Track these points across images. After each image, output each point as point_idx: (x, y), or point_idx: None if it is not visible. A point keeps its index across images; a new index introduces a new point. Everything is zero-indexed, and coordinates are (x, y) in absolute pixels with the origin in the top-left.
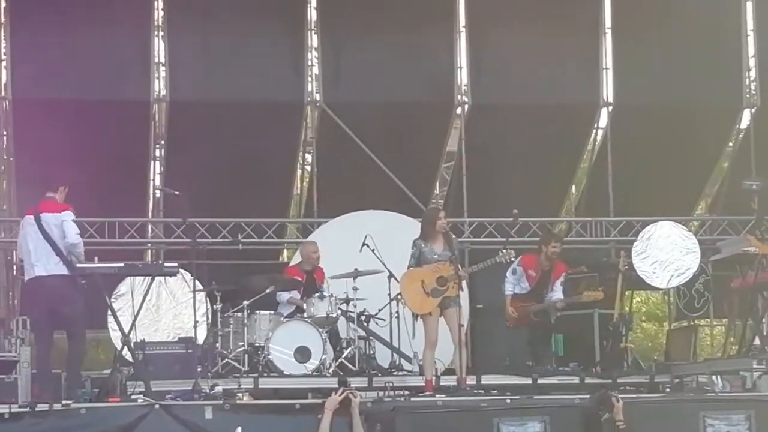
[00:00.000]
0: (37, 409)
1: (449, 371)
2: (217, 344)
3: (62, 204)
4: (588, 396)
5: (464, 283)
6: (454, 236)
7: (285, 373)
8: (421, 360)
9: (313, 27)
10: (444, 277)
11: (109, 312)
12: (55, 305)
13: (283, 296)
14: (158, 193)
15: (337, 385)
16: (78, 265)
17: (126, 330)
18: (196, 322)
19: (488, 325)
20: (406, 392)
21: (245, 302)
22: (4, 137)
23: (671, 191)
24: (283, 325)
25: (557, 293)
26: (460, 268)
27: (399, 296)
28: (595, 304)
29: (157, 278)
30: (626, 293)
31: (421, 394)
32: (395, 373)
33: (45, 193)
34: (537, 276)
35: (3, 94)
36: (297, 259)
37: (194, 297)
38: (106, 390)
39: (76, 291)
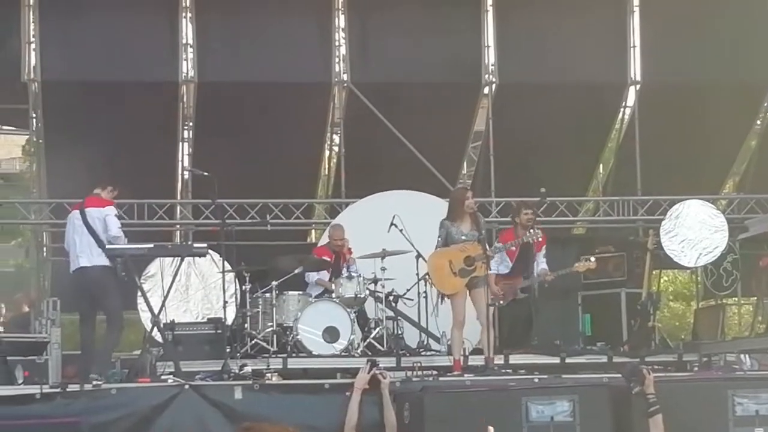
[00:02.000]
0: (67, 389)
1: (477, 351)
2: (246, 325)
3: (106, 200)
4: (617, 375)
5: (492, 263)
6: (481, 216)
7: (314, 353)
8: (449, 340)
9: (340, 7)
10: (471, 257)
11: (139, 293)
12: (97, 293)
13: (312, 277)
14: (187, 175)
15: (365, 363)
16: (108, 247)
17: (155, 311)
18: (225, 302)
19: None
20: (434, 372)
21: (274, 283)
22: (34, 120)
23: (699, 170)
24: (311, 305)
25: (542, 265)
26: (487, 248)
27: (427, 276)
28: (590, 273)
29: (186, 259)
30: (654, 272)
31: (449, 374)
32: (423, 353)
33: (86, 183)
34: (517, 250)
35: (33, 76)
36: (325, 239)
37: (223, 277)
38: (136, 371)
39: (115, 281)
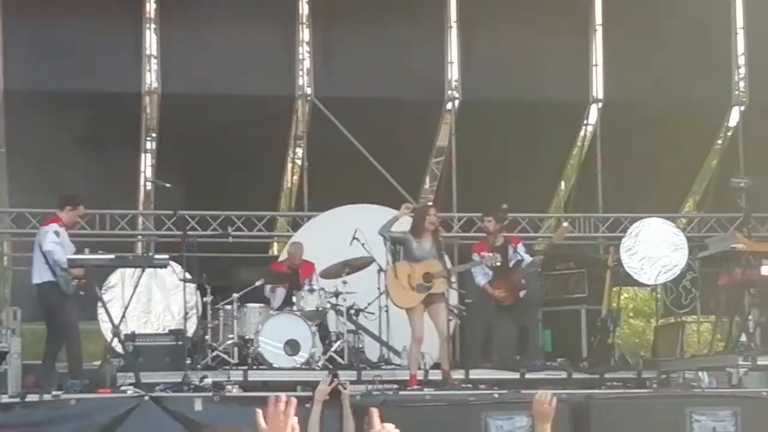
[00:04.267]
0: (26, 399)
1: (437, 365)
2: (207, 336)
3: (55, 218)
4: (577, 390)
5: (453, 279)
6: (442, 232)
7: (274, 365)
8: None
9: (304, 21)
10: (430, 273)
11: (99, 303)
12: (45, 308)
13: (267, 289)
14: (149, 185)
15: (326, 375)
16: (69, 257)
17: (116, 321)
18: (186, 314)
19: (477, 321)
20: (395, 386)
21: (235, 295)
22: None
23: (660, 188)
24: (272, 318)
25: (527, 258)
26: (449, 266)
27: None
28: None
29: (148, 270)
30: (614, 289)
31: (409, 388)
32: (384, 367)
33: (48, 193)
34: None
35: None
36: (285, 255)
37: (184, 289)
38: (96, 381)
39: (60, 295)
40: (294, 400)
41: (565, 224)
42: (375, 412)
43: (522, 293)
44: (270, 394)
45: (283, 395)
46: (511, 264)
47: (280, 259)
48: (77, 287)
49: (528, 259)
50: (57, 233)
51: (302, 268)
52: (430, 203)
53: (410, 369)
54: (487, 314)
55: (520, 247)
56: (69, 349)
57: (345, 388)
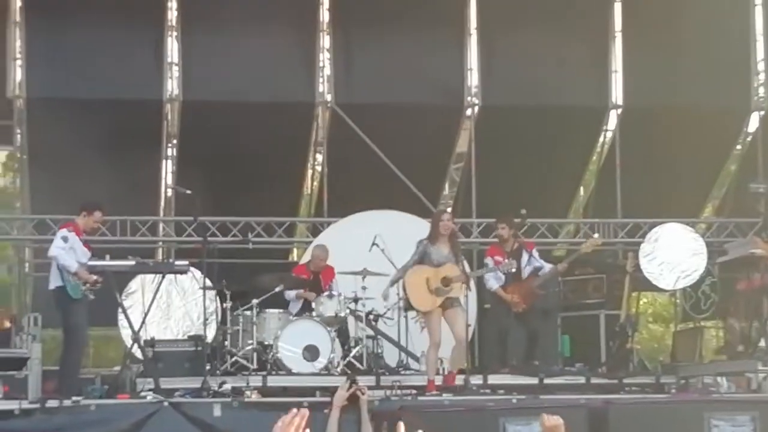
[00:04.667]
0: (47, 405)
1: (461, 371)
2: (227, 342)
3: (68, 223)
4: (595, 395)
5: (472, 284)
6: (459, 236)
7: (293, 371)
8: None
9: (325, 28)
10: (449, 277)
11: (120, 309)
12: (60, 314)
13: (291, 294)
14: (170, 192)
15: (344, 380)
16: (90, 263)
17: (136, 327)
18: (205, 320)
19: (494, 326)
20: (413, 391)
21: (255, 300)
22: (18, 136)
23: (679, 193)
24: (291, 323)
25: (543, 265)
26: (467, 270)
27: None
28: (594, 259)
29: (168, 276)
30: (633, 294)
31: (427, 393)
32: (402, 372)
33: (69, 200)
34: (504, 259)
35: (17, 92)
36: (306, 257)
37: (204, 295)
38: (116, 387)
39: (68, 299)
40: (306, 412)
41: (596, 236)
42: (401, 426)
43: (538, 295)
44: (289, 400)
45: (294, 408)
46: (524, 269)
47: (303, 260)
48: (88, 291)
49: (547, 266)
50: (65, 238)
51: (323, 274)
52: (446, 209)
53: (428, 374)
54: (503, 319)
55: (535, 253)
56: (66, 352)
57: (363, 394)
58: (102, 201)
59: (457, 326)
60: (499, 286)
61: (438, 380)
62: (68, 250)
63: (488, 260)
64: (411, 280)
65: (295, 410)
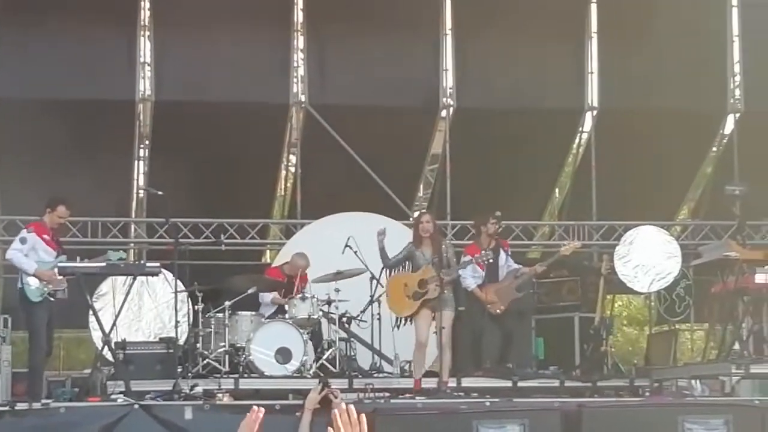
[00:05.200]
0: (16, 407)
1: (430, 373)
2: (198, 344)
3: (33, 223)
4: (568, 399)
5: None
6: (441, 238)
7: (266, 374)
8: (402, 362)
9: (299, 28)
10: (425, 279)
11: (90, 311)
12: (21, 316)
13: (267, 297)
14: (141, 193)
15: (315, 384)
16: (60, 264)
17: (107, 329)
18: (177, 322)
19: (468, 328)
20: (387, 394)
21: (227, 303)
22: None
23: (654, 196)
24: (264, 326)
25: (513, 265)
26: (442, 270)
27: (379, 297)
28: (575, 263)
29: (139, 278)
30: (607, 297)
31: (401, 396)
32: (376, 375)
33: (40, 200)
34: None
35: None
36: (279, 260)
37: (176, 297)
38: (86, 389)
39: (26, 301)
40: (260, 411)
41: (577, 243)
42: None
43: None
44: (261, 402)
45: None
46: (501, 267)
47: (276, 263)
48: (54, 291)
49: (515, 266)
50: (23, 240)
51: (297, 278)
52: (424, 211)
53: (414, 374)
54: (478, 321)
55: (508, 251)
56: (29, 355)
57: (336, 397)
58: (65, 195)
59: (445, 330)
60: (477, 285)
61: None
62: (28, 251)
63: (466, 257)
64: (390, 287)
65: (254, 408)
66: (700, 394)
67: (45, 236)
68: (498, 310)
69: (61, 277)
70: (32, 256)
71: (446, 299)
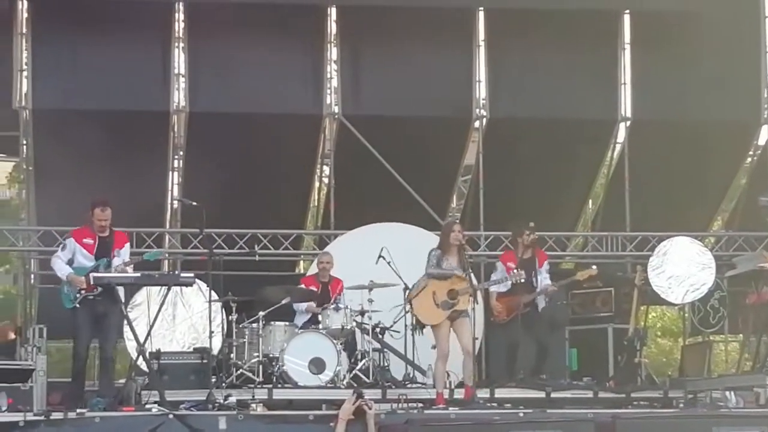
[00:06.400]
0: (51, 417)
1: (462, 384)
2: (232, 355)
3: (76, 229)
4: (602, 410)
5: (479, 297)
6: (467, 250)
7: (299, 384)
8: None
9: (332, 40)
10: (455, 290)
11: (125, 321)
12: None
13: (302, 306)
14: (176, 204)
15: (351, 394)
16: (94, 275)
17: (141, 340)
18: (211, 332)
19: (502, 339)
20: (420, 405)
21: (261, 313)
22: (24, 147)
23: (688, 207)
24: (297, 336)
25: (546, 280)
26: (474, 283)
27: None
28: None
29: (174, 288)
30: (641, 308)
31: (434, 407)
32: (409, 386)
33: (75, 211)
34: (516, 266)
35: (24, 104)
36: (314, 269)
37: (210, 307)
38: (121, 399)
39: (65, 308)
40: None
41: (594, 267)
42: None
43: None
44: (295, 413)
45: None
46: (536, 279)
47: (309, 273)
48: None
49: (544, 284)
50: (63, 246)
51: (332, 285)
52: (456, 220)
53: (436, 387)
54: (513, 332)
55: (545, 266)
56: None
57: (370, 408)
58: (105, 198)
59: (464, 338)
60: (499, 293)
61: (446, 393)
62: (70, 257)
63: (499, 264)
64: (417, 294)
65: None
66: (734, 406)
67: (86, 240)
68: (500, 321)
69: (84, 283)
70: (74, 262)
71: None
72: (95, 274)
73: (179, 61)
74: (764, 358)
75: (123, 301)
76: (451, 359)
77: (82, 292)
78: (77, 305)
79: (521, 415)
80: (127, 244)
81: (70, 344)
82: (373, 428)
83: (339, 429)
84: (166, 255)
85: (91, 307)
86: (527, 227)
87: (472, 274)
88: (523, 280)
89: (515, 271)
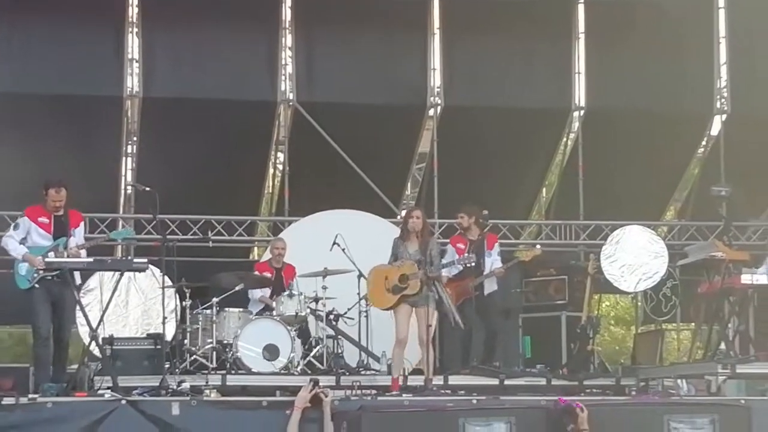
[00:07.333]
0: (2, 402)
1: (417, 371)
2: (186, 341)
3: (29, 207)
4: (554, 397)
5: (437, 284)
6: (433, 237)
7: (253, 370)
8: (389, 359)
9: (287, 26)
10: (406, 275)
11: (78, 307)
12: None
13: (256, 294)
14: (129, 189)
15: (307, 382)
16: (47, 260)
17: (94, 325)
18: (164, 318)
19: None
20: (373, 391)
21: (215, 299)
22: None
23: (641, 196)
24: (251, 322)
25: (497, 263)
26: (428, 269)
27: (366, 295)
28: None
29: (127, 274)
30: (594, 296)
31: (387, 394)
32: (363, 372)
33: (27, 196)
34: (466, 247)
35: None
36: (268, 255)
37: (163, 293)
38: (74, 385)
39: (19, 291)
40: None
41: (538, 247)
42: None
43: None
44: (248, 399)
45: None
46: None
47: (263, 259)
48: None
49: (495, 266)
50: (16, 225)
51: (285, 271)
52: (416, 207)
53: (392, 373)
54: (467, 320)
55: (496, 248)
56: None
57: (326, 396)
58: (59, 177)
59: (422, 327)
60: (449, 276)
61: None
62: (24, 236)
63: (449, 247)
64: (371, 278)
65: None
66: (686, 394)
67: (41, 219)
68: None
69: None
70: (28, 241)
71: (430, 297)
72: (48, 259)
73: (133, 46)
74: (716, 347)
75: (78, 283)
76: (408, 346)
77: (40, 272)
78: (36, 285)
79: (474, 402)
80: (82, 223)
81: (20, 329)
82: (329, 416)
83: (295, 417)
84: (133, 233)
85: (48, 288)
86: (461, 210)
87: (438, 259)
88: (473, 264)
89: (466, 255)
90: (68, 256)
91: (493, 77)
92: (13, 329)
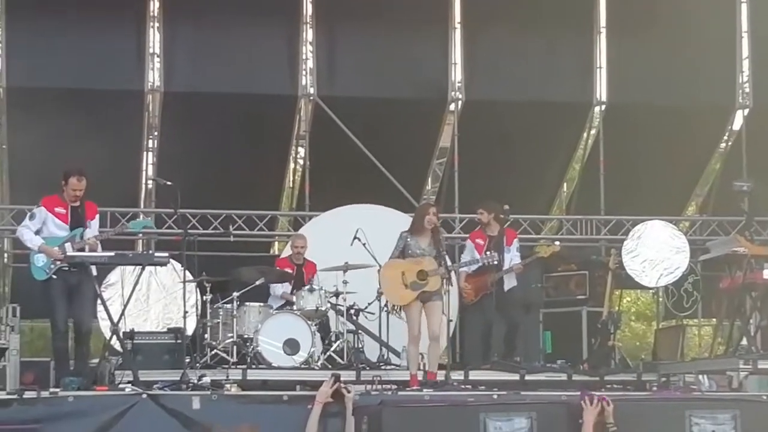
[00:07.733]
0: (24, 396)
1: (439, 366)
2: (206, 335)
3: (46, 197)
4: (575, 392)
5: (453, 279)
6: (443, 233)
7: (273, 365)
8: None
9: (308, 20)
10: (425, 271)
11: (99, 301)
12: None
13: (277, 289)
14: (150, 184)
15: (328, 378)
16: (68, 254)
17: (115, 319)
18: (185, 312)
19: (477, 321)
20: (394, 386)
21: (235, 294)
22: None
23: (662, 191)
24: (272, 317)
25: (516, 259)
26: (447, 264)
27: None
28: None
29: (148, 268)
30: (615, 292)
31: (408, 389)
32: (383, 367)
33: (48, 190)
34: (485, 243)
35: None
36: (288, 251)
37: (184, 287)
38: (94, 379)
39: (36, 283)
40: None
41: (557, 243)
42: None
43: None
44: (269, 393)
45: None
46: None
47: (285, 254)
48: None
49: (514, 262)
50: (32, 215)
51: (306, 268)
52: (432, 203)
53: (410, 369)
54: (487, 314)
55: (515, 244)
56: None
57: (348, 392)
58: (80, 166)
59: (433, 323)
60: (468, 273)
61: (420, 375)
62: (40, 227)
63: (468, 243)
64: (386, 273)
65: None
66: (707, 389)
67: (58, 209)
68: (468, 301)
69: (57, 252)
70: (44, 231)
71: (439, 291)
72: (69, 253)
73: (155, 40)
74: (737, 342)
75: (95, 275)
76: (424, 341)
77: (57, 263)
78: (53, 276)
79: (495, 397)
80: (98, 215)
81: (42, 324)
82: (351, 412)
83: (315, 412)
84: (152, 224)
85: (65, 279)
86: (480, 206)
87: (446, 257)
88: (496, 262)
89: (488, 253)
90: (86, 248)
91: (514, 72)
92: (34, 323)
